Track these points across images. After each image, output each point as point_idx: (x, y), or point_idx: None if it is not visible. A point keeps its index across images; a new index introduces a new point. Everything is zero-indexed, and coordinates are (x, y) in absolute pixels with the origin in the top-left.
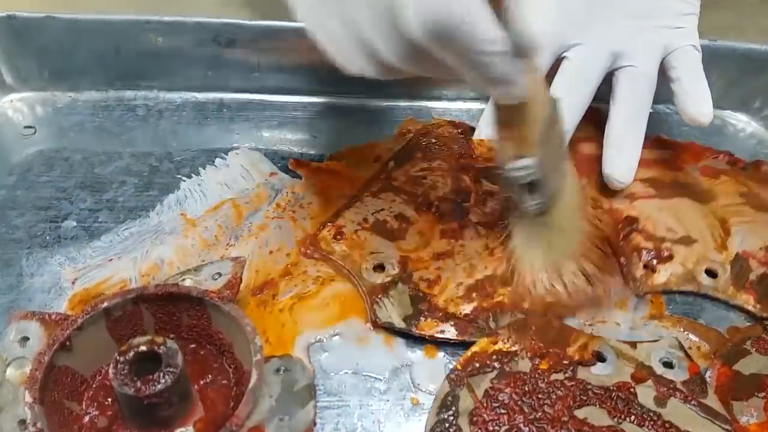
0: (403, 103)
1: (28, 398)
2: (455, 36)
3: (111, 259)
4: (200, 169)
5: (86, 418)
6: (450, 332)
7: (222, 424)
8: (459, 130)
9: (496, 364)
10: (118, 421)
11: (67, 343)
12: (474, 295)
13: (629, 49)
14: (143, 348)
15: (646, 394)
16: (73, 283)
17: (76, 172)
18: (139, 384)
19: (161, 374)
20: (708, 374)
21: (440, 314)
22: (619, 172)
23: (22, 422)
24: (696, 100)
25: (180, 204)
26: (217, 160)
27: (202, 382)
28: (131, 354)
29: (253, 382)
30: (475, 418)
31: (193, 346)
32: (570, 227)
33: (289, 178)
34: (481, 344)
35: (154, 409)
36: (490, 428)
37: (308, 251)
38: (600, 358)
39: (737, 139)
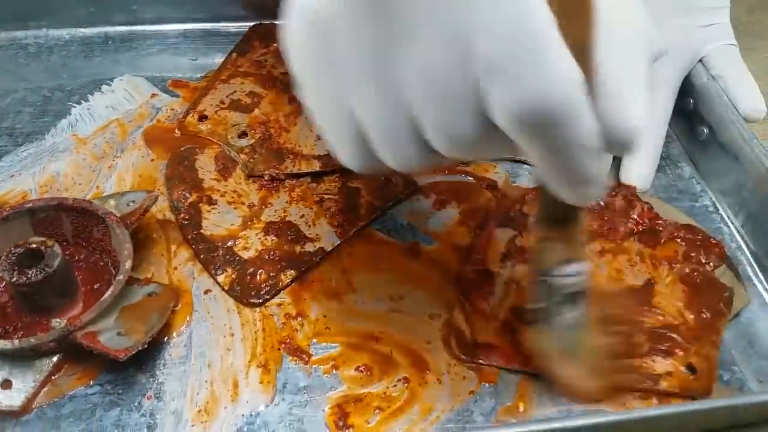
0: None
1: None
2: (555, 126)
3: (12, 175)
4: (89, 96)
5: None
6: (316, 166)
7: None
8: None
9: None
10: (13, 301)
11: None
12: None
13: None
14: (33, 246)
15: None
16: None
17: None
18: (15, 273)
19: (35, 270)
20: None
21: (302, 157)
22: (638, 180)
23: None
24: (746, 98)
25: (72, 126)
26: (104, 87)
27: (89, 287)
28: (23, 249)
29: (105, 296)
30: None
31: (97, 256)
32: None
33: (168, 97)
34: None
35: (28, 297)
36: None
37: (181, 134)
38: None
39: None
